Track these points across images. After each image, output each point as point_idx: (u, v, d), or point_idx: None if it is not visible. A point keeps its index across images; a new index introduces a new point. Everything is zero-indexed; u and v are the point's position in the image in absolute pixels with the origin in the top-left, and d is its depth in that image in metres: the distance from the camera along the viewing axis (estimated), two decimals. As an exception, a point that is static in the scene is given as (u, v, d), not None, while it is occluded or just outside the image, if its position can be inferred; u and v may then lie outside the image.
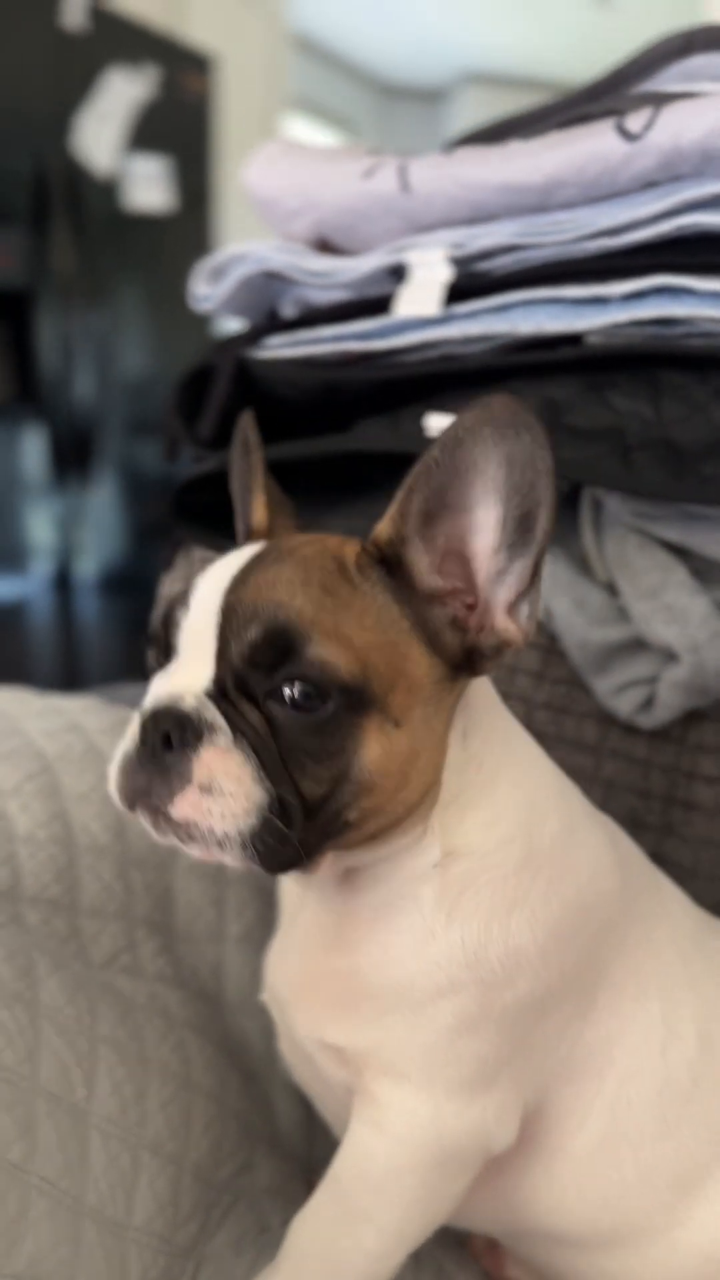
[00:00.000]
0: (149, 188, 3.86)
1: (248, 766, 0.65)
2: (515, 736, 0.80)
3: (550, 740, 1.05)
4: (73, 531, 4.10)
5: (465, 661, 0.71)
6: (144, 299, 4.05)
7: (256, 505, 0.83)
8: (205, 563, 0.79)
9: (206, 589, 0.70)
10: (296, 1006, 0.79)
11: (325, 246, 1.22)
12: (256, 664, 0.66)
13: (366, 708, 0.67)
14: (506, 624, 0.70)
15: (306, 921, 0.80)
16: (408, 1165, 0.73)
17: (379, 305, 1.13)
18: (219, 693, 0.68)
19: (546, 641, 1.09)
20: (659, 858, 1.04)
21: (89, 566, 4.21)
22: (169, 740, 0.66)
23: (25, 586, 4.22)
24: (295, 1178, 0.99)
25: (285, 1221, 0.90)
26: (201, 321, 4.04)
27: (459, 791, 0.74)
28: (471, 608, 0.71)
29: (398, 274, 1.13)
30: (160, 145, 3.90)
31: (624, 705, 1.03)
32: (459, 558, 0.70)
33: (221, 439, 1.16)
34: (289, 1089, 1.06)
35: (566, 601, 1.05)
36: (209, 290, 1.25)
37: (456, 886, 0.73)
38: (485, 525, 0.68)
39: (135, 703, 0.76)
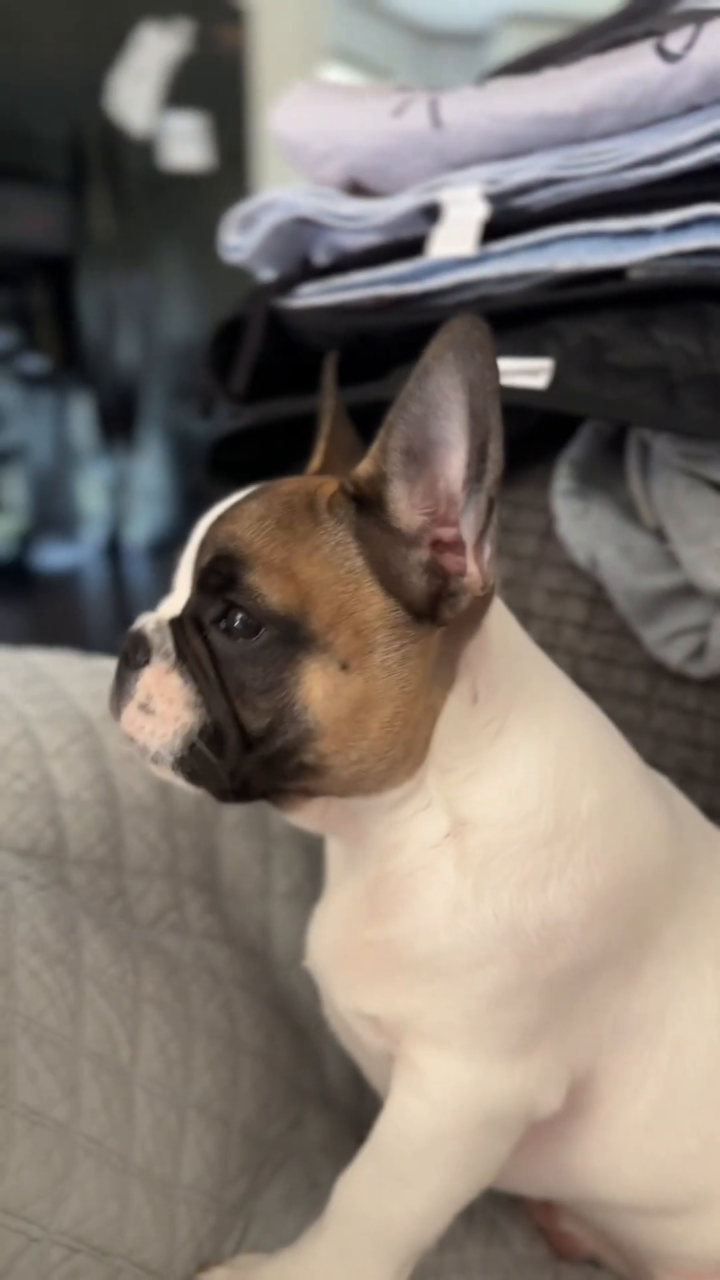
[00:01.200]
0: (186, 145, 3.81)
1: (184, 690, 0.68)
2: (553, 699, 0.76)
3: (598, 693, 1.02)
4: (121, 498, 4.11)
5: (429, 609, 0.68)
6: (184, 261, 4.02)
7: (317, 450, 0.82)
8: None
9: (200, 526, 0.72)
10: (334, 977, 0.78)
11: (357, 190, 1.18)
12: (205, 589, 0.68)
13: (306, 644, 0.66)
14: (472, 567, 0.67)
15: (344, 891, 0.79)
16: (451, 1131, 0.72)
17: (413, 247, 1.10)
18: (178, 619, 0.70)
19: (592, 591, 1.06)
20: (711, 811, 1.01)
21: (138, 533, 4.22)
22: (128, 659, 0.70)
23: (77, 554, 4.25)
24: (346, 1134, 0.98)
25: (336, 1178, 0.90)
26: (242, 283, 4.00)
27: (465, 756, 0.71)
28: (447, 549, 0.68)
29: (431, 214, 1.10)
30: (196, 101, 3.84)
31: (674, 654, 1.00)
32: (441, 489, 0.66)
33: (254, 393, 1.14)
34: (338, 1045, 1.05)
35: (612, 548, 1.01)
36: (240, 240, 1.22)
37: (477, 858, 0.70)
38: (457, 459, 0.64)
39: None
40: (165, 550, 4.27)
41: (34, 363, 3.62)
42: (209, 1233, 0.79)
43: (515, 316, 1.01)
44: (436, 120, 1.06)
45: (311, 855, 1.13)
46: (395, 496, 0.67)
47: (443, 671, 0.70)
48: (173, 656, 0.69)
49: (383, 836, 0.73)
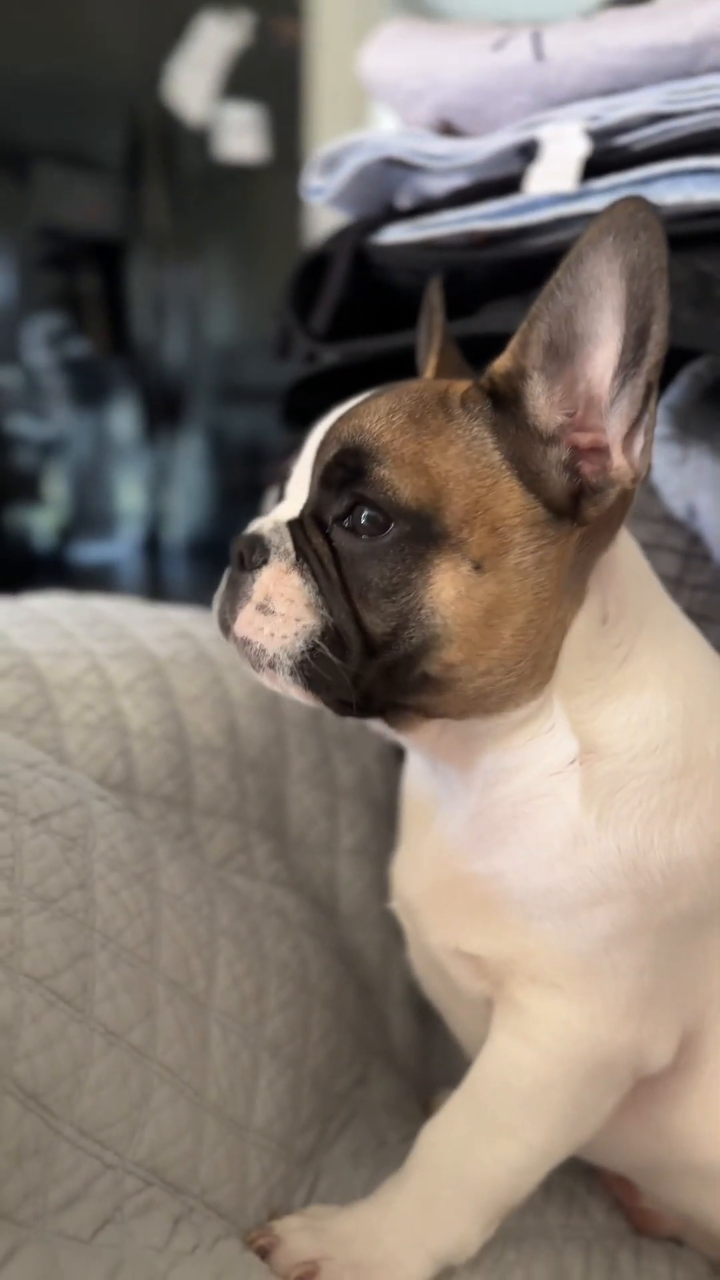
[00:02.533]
0: (242, 137, 3.80)
1: (305, 590, 0.65)
2: (677, 632, 0.73)
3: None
4: (161, 496, 4.09)
5: (570, 507, 0.64)
6: (234, 259, 4.01)
7: (433, 361, 0.79)
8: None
9: (318, 430, 0.68)
10: (430, 914, 0.74)
11: (447, 132, 1.15)
12: (329, 485, 0.65)
13: (437, 541, 0.62)
14: (620, 460, 0.64)
15: (440, 826, 0.75)
16: (558, 1079, 0.68)
17: (505, 188, 1.06)
18: (297, 520, 0.67)
19: (686, 545, 1.02)
20: None
21: (176, 532, 4.19)
22: (243, 561, 0.67)
23: (115, 550, 4.22)
24: (410, 1096, 0.94)
25: (404, 1138, 0.86)
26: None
27: (593, 679, 0.67)
28: (588, 449, 0.64)
29: (527, 153, 1.06)
30: (252, 94, 3.84)
31: (771, 608, 0.96)
32: (581, 391, 0.63)
33: (335, 333, 1.11)
34: (405, 1006, 1.01)
35: (710, 497, 0.97)
36: (322, 182, 1.19)
37: (604, 787, 0.66)
38: (608, 349, 0.61)
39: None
40: (203, 550, 4.25)
41: (80, 347, 3.61)
42: (279, 1181, 0.75)
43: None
44: (539, 53, 1.02)
45: (377, 812, 1.09)
46: (534, 393, 0.64)
47: (574, 585, 0.66)
48: (292, 556, 0.66)
49: (496, 762, 0.69)
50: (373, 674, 0.64)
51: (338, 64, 4.36)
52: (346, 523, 0.64)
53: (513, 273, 1.02)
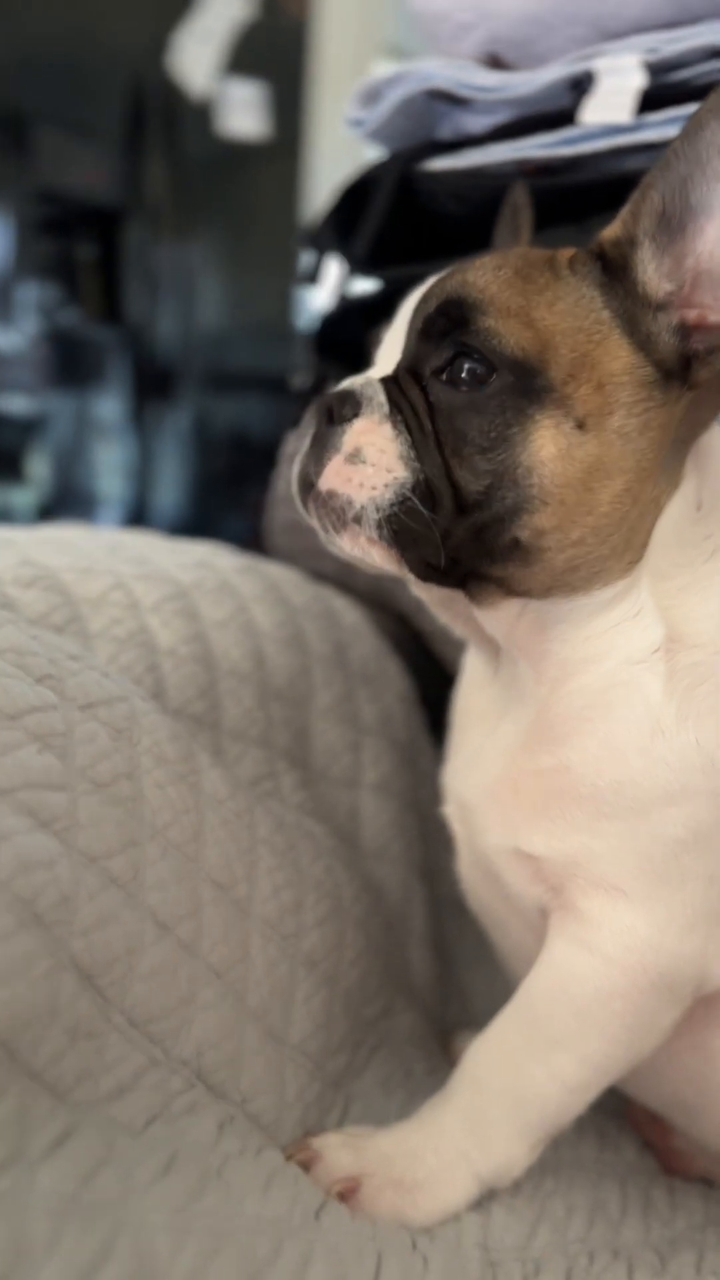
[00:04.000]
0: (244, 113, 3.77)
1: (397, 441, 0.63)
2: None
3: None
4: (145, 478, 4.03)
5: (680, 369, 0.62)
6: (229, 238, 3.97)
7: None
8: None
9: (412, 296, 0.67)
10: (490, 812, 0.71)
11: (495, 66, 1.13)
12: (428, 337, 0.63)
13: (540, 396, 0.60)
14: None
15: (503, 725, 0.72)
16: (620, 989, 0.65)
17: (555, 122, 1.05)
18: (391, 376, 0.65)
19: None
20: None
21: (159, 516, 4.14)
22: (331, 415, 0.64)
23: (92, 531, 4.16)
24: (431, 1033, 0.91)
25: (430, 1070, 0.84)
26: (284, 279, 3.94)
27: (682, 565, 0.65)
28: (694, 326, 0.63)
29: (579, 88, 1.04)
30: (257, 71, 3.81)
31: None
32: (690, 266, 0.62)
33: (375, 259, 1.09)
34: (425, 944, 0.99)
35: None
36: (363, 113, 1.16)
37: (687, 678, 0.64)
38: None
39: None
40: (185, 535, 4.19)
41: (71, 317, 3.56)
42: (315, 1099, 0.72)
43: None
44: (599, -18, 1.01)
45: (399, 751, 1.07)
46: (643, 261, 0.62)
47: (672, 463, 0.64)
48: (385, 408, 0.63)
49: (574, 651, 0.66)
50: (461, 534, 0.62)
51: (343, 45, 4.34)
52: (446, 375, 0.62)
53: (565, 202, 1.00)
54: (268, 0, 3.77)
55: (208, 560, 1.07)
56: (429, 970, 0.97)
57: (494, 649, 0.73)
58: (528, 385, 0.60)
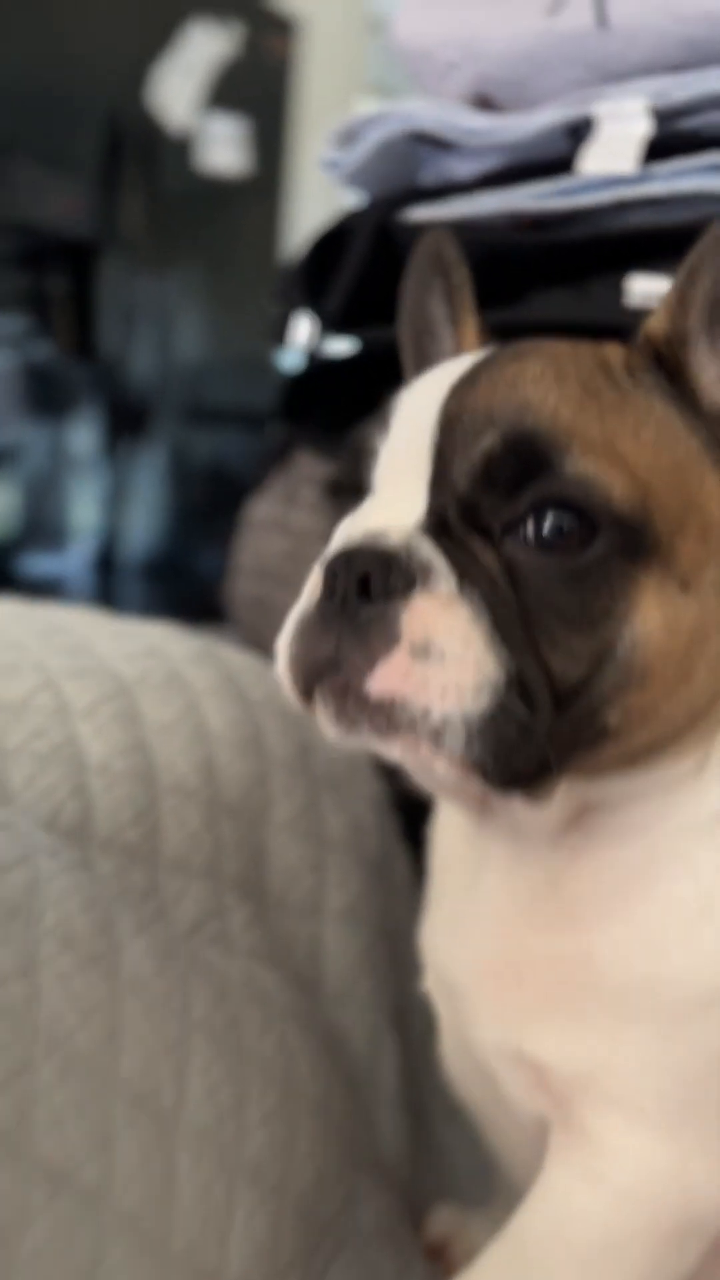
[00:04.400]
0: (224, 148, 3.70)
1: (479, 624, 0.48)
2: None
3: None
4: (118, 512, 3.93)
5: None
6: (208, 274, 3.89)
7: (465, 332, 0.64)
8: (312, 482, 0.61)
9: (418, 400, 0.52)
10: (484, 1001, 0.58)
11: (484, 108, 1.03)
12: (492, 484, 0.49)
13: (646, 555, 0.48)
14: None
15: (498, 886, 0.60)
16: (634, 1233, 0.53)
17: (548, 171, 0.94)
18: (436, 528, 0.49)
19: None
20: None
21: (131, 550, 4.03)
22: (367, 588, 0.48)
23: (65, 565, 4.05)
24: (403, 1217, 0.79)
25: (400, 1269, 0.72)
26: (264, 314, 3.85)
27: None
28: None
29: (576, 135, 0.94)
30: (238, 107, 3.74)
31: None
32: None
33: (350, 319, 0.98)
34: (395, 1104, 0.86)
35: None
36: (339, 155, 1.06)
37: None
38: None
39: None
40: (157, 571, 4.09)
41: (43, 350, 3.45)
42: (255, 1345, 0.59)
43: (688, 236, 0.85)
44: (602, 19, 0.90)
45: (370, 869, 0.94)
46: (701, 362, 0.51)
47: None
48: (453, 579, 0.48)
49: (614, 816, 0.55)
50: (562, 731, 0.49)
51: (326, 83, 4.28)
52: (526, 531, 0.49)
53: (562, 260, 0.89)
54: (251, 40, 3.71)
55: (158, 647, 0.95)
56: (400, 1134, 0.85)
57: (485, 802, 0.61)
58: (636, 544, 0.48)
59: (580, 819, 0.56)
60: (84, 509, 4.00)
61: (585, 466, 0.47)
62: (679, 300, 0.51)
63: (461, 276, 0.66)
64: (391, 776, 1.05)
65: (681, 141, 0.89)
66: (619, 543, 0.48)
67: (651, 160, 0.89)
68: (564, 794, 0.53)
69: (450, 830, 0.67)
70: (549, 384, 0.50)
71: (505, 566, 0.49)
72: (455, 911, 0.63)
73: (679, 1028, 0.52)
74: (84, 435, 3.80)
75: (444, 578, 0.48)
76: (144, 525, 4.06)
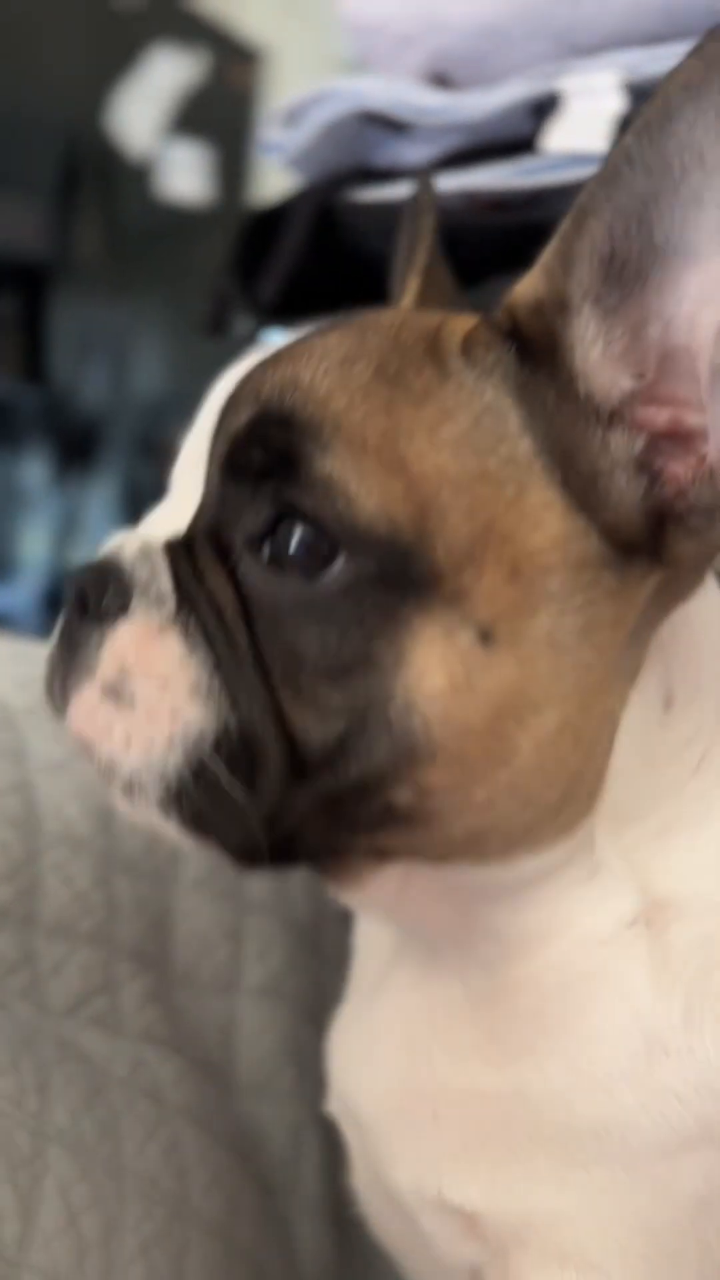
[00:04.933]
0: (185, 175, 3.64)
1: (189, 664, 0.39)
2: None
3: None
4: (67, 545, 3.82)
5: (646, 537, 0.40)
6: (166, 304, 3.81)
7: (405, 297, 0.54)
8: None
9: (221, 386, 0.43)
10: (395, 1140, 0.47)
11: (440, 86, 0.94)
12: (236, 477, 0.40)
13: (420, 590, 0.37)
14: None
15: (408, 997, 0.48)
16: None
17: (510, 152, 0.85)
18: (187, 544, 0.41)
19: None
20: None
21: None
22: (86, 606, 0.41)
23: (11, 599, 3.93)
24: None
25: None
26: (225, 346, 3.77)
27: (656, 796, 0.43)
28: (664, 435, 0.40)
29: (540, 112, 0.85)
30: (200, 138, 3.69)
31: None
32: (655, 339, 0.39)
33: (287, 305, 0.88)
34: (316, 1212, 0.73)
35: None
36: (283, 138, 0.96)
37: (690, 963, 0.42)
38: (712, 267, 0.37)
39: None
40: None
41: (-10, 378, 3.36)
42: None
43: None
44: (570, -17, 0.82)
45: (296, 935, 0.82)
46: (582, 338, 0.39)
47: (627, 661, 0.42)
48: (170, 603, 0.40)
49: (508, 923, 0.44)
50: (302, 807, 0.39)
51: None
52: (266, 548, 0.39)
53: (525, 243, 0.80)
54: (215, 65, 3.67)
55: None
56: (322, 1247, 0.72)
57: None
58: (398, 574, 0.38)
59: (469, 924, 0.45)
60: (33, 541, 3.89)
61: (335, 467, 0.37)
62: (561, 256, 0.40)
63: (427, 224, 0.58)
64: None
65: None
66: (373, 571, 0.37)
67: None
68: (399, 877, 0.43)
69: (366, 923, 0.56)
70: (332, 361, 0.40)
71: (239, 591, 0.40)
72: (360, 1018, 0.51)
73: (639, 1176, 0.41)
74: (33, 465, 3.70)
75: (157, 601, 0.40)
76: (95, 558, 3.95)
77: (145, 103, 3.50)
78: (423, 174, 0.60)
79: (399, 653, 0.38)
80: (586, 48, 0.84)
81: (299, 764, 0.39)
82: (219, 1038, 0.72)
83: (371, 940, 0.54)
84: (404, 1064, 0.47)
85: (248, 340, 0.93)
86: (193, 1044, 0.69)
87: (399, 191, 0.86)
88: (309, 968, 0.82)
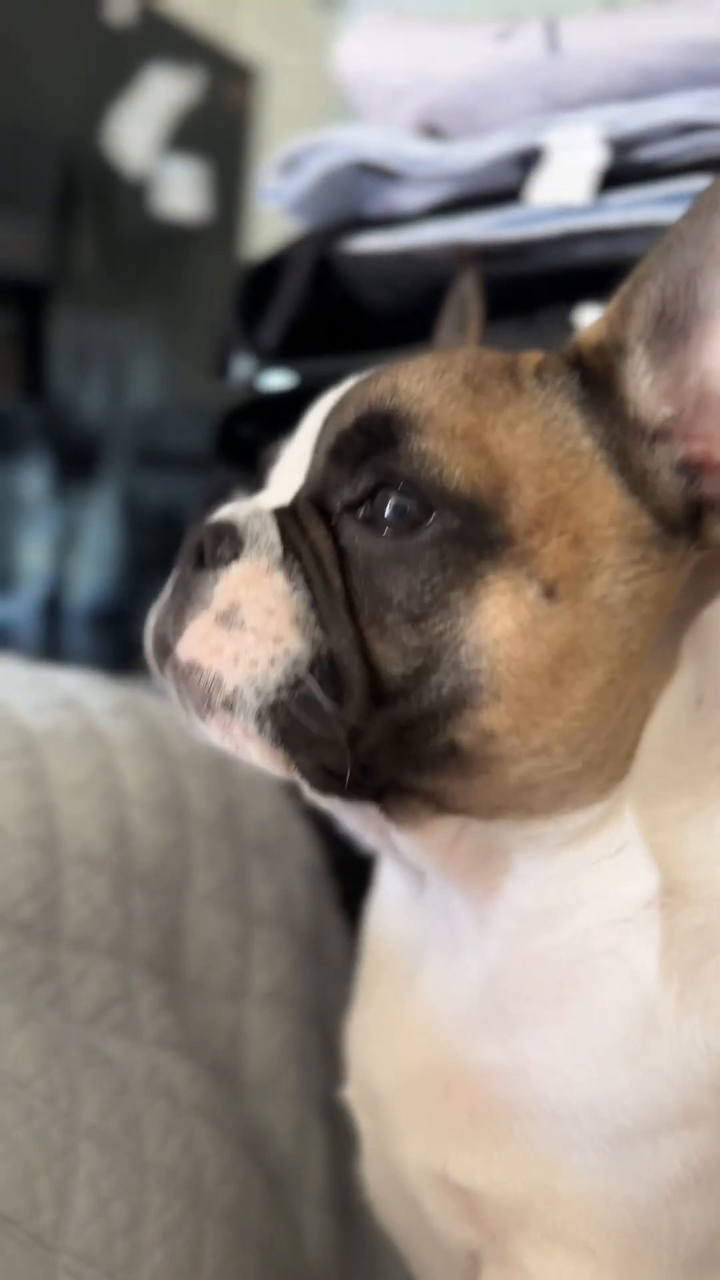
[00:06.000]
0: (182, 193, 3.68)
1: (291, 599, 0.46)
2: None
3: None
4: (66, 557, 3.85)
5: (686, 519, 0.47)
6: (163, 319, 3.85)
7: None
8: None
9: (324, 402, 0.51)
10: (407, 1118, 0.52)
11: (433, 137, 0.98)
12: (341, 459, 0.47)
13: (495, 549, 0.44)
14: None
15: (433, 986, 0.53)
16: None
17: (497, 202, 0.90)
18: (289, 509, 0.48)
19: None
20: None
21: (80, 597, 3.95)
22: (203, 556, 0.48)
23: (10, 611, 3.96)
24: (327, 1335, 0.71)
25: None
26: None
27: (679, 784, 0.48)
28: (697, 463, 0.47)
29: (526, 164, 0.90)
30: (196, 153, 3.73)
31: None
32: (693, 386, 0.47)
33: (288, 349, 0.92)
34: (321, 1206, 0.78)
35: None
36: (280, 185, 1.01)
37: (692, 949, 0.47)
38: None
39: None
40: (107, 620, 4.00)
41: (-9, 392, 3.39)
42: None
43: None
44: (554, 44, 0.87)
45: (301, 945, 0.87)
46: (635, 374, 0.47)
47: (665, 649, 0.47)
48: (278, 550, 0.47)
49: (535, 896, 0.49)
50: (378, 733, 0.45)
51: (285, 132, 4.29)
52: (364, 512, 0.46)
53: (510, 293, 0.85)
54: (211, 86, 3.71)
55: (74, 699, 0.88)
56: (327, 1239, 0.77)
57: (418, 868, 0.55)
58: (478, 534, 0.44)
59: (495, 892, 0.50)
60: (32, 553, 3.92)
61: (431, 446, 0.45)
62: (621, 309, 0.47)
63: (475, 311, 0.67)
64: (329, 840, 0.98)
65: (637, 172, 0.85)
66: (458, 529, 0.44)
67: (606, 191, 0.86)
68: (453, 830, 0.49)
69: (387, 915, 0.61)
70: (427, 374, 0.47)
71: (338, 545, 0.47)
72: (386, 1012, 0.56)
73: (628, 1155, 0.45)
74: (32, 478, 3.73)
75: (268, 549, 0.47)
76: (94, 571, 3.98)
77: (141, 121, 3.54)
78: (469, 273, 0.70)
79: (473, 600, 0.44)
80: (569, 103, 0.89)
81: (379, 693, 0.45)
82: (228, 1041, 0.76)
83: (387, 948, 0.59)
84: (424, 1045, 0.52)
85: (249, 381, 0.97)
86: (204, 1048, 0.74)
87: (392, 241, 0.90)
88: (313, 975, 0.86)
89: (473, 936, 0.51)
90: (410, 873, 0.56)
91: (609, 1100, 0.46)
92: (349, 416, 0.47)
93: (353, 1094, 0.59)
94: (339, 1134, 0.83)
